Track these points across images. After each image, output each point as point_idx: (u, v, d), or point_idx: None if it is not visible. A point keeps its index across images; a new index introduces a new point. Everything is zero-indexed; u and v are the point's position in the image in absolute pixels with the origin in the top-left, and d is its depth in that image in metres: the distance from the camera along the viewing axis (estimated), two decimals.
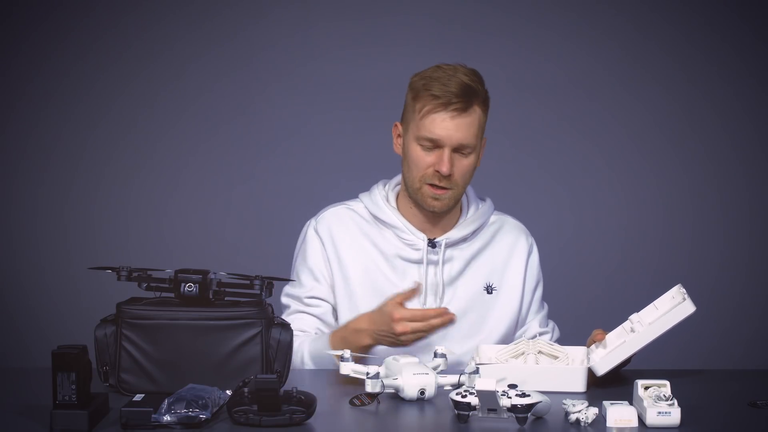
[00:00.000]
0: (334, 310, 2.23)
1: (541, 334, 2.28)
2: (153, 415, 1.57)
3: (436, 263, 2.21)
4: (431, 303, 2.19)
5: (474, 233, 2.26)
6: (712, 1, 3.50)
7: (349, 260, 2.22)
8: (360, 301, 2.20)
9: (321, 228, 2.24)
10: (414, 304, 2.16)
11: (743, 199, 3.52)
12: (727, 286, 3.50)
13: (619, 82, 3.50)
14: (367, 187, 2.31)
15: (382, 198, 2.25)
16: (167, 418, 1.57)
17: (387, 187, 2.27)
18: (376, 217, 2.24)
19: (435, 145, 2.14)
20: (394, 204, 2.25)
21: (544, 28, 3.48)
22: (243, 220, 3.50)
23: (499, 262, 2.26)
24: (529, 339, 2.24)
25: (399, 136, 2.22)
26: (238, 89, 3.49)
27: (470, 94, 2.14)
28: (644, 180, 3.53)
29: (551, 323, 2.33)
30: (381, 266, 2.21)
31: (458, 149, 2.14)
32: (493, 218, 2.30)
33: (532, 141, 3.52)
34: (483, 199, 2.31)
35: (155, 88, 3.49)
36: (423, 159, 2.15)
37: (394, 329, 1.98)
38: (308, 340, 2.15)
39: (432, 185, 2.15)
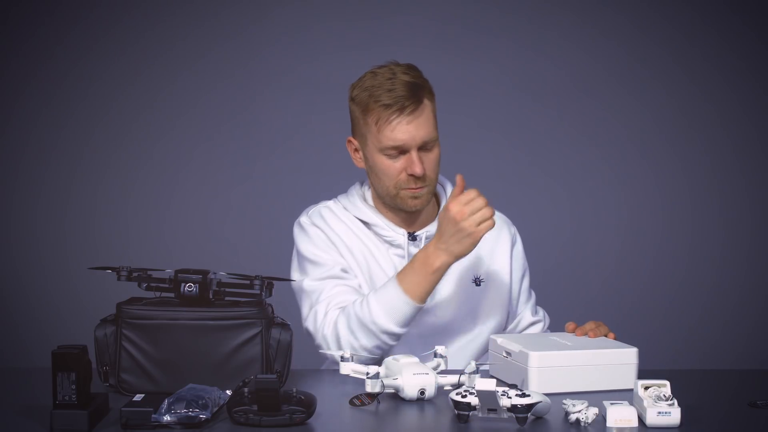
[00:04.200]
0: None
1: (534, 323, 2.29)
2: (153, 415, 1.57)
3: None
4: None
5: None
6: (712, 1, 3.50)
7: (348, 247, 2.21)
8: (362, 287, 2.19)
9: (316, 219, 2.24)
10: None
11: (743, 199, 3.52)
12: (726, 286, 3.51)
13: (619, 82, 3.50)
14: None
15: (359, 197, 2.25)
16: (167, 418, 1.56)
17: (363, 187, 2.28)
18: (355, 217, 2.23)
19: (400, 151, 2.13)
20: (371, 202, 2.25)
21: (544, 28, 3.49)
22: (243, 220, 3.50)
23: (484, 254, 2.25)
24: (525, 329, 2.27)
25: (356, 150, 2.21)
26: (238, 89, 3.49)
27: (417, 91, 2.13)
28: (644, 180, 3.53)
29: (541, 311, 2.34)
30: (375, 253, 2.20)
31: (422, 147, 2.14)
32: None
33: (531, 141, 3.52)
34: None
35: (155, 88, 3.49)
36: (392, 167, 2.14)
37: (454, 217, 1.94)
38: (370, 295, 2.07)
39: (408, 188, 2.16)
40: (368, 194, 2.26)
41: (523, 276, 2.31)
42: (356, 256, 2.20)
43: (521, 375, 1.81)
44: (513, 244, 2.30)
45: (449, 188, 2.29)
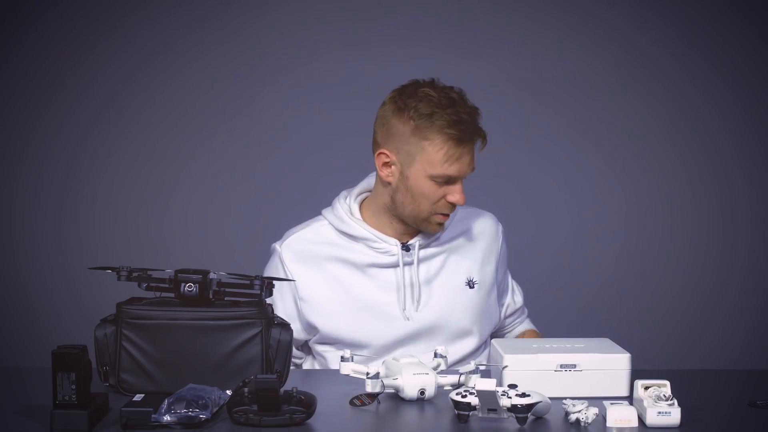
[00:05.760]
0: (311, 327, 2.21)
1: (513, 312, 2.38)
2: (153, 415, 1.57)
3: (411, 264, 2.20)
4: (409, 303, 2.18)
5: (444, 230, 2.25)
6: (712, 1, 3.50)
7: (317, 281, 2.19)
8: (339, 315, 2.18)
9: (283, 253, 2.21)
10: (393, 305, 2.17)
11: (743, 199, 3.52)
12: (726, 287, 3.50)
13: (619, 81, 3.50)
14: None
15: (345, 212, 2.21)
16: (167, 418, 1.56)
17: (348, 199, 2.23)
18: (342, 233, 2.20)
19: (448, 180, 2.12)
20: (358, 215, 2.21)
21: (544, 28, 3.48)
22: (243, 220, 3.50)
23: (476, 255, 2.26)
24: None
25: (388, 164, 2.15)
26: (238, 89, 3.49)
27: (479, 122, 2.12)
28: (644, 180, 3.53)
29: (517, 295, 2.40)
30: (355, 277, 2.18)
31: None
32: (461, 213, 2.29)
33: (531, 141, 3.51)
34: None
35: (155, 88, 3.49)
36: (436, 193, 2.12)
37: None
38: None
39: (442, 213, 2.16)
40: (354, 206, 2.22)
41: (505, 271, 2.35)
42: (323, 291, 2.18)
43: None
44: (501, 244, 2.32)
45: None
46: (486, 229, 2.30)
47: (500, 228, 2.33)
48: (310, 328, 2.20)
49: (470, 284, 2.23)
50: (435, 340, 2.17)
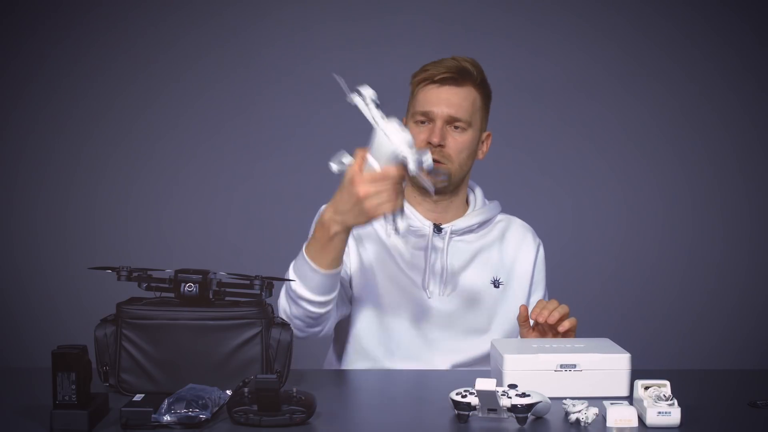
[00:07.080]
0: (350, 283, 2.23)
1: None
2: (153, 415, 1.57)
3: (441, 250, 2.22)
4: (434, 290, 2.20)
5: (481, 226, 2.27)
6: (712, 1, 3.50)
7: (364, 238, 2.23)
8: (375, 276, 2.21)
9: None
10: (416, 281, 2.18)
11: (743, 199, 3.52)
12: (727, 287, 3.51)
13: (618, 82, 3.50)
14: None
15: None
16: (167, 418, 1.56)
17: None
18: None
19: (428, 118, 2.18)
20: None
21: (544, 28, 3.49)
22: (243, 220, 3.50)
23: (507, 258, 2.28)
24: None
25: None
26: (238, 89, 3.49)
27: (462, 72, 2.19)
28: (644, 180, 3.53)
29: None
30: (390, 249, 2.22)
31: (450, 122, 2.18)
32: (501, 217, 2.33)
33: (531, 141, 3.52)
34: (491, 201, 2.34)
35: (155, 88, 3.49)
36: (417, 135, 2.17)
37: (357, 193, 1.84)
38: (290, 265, 2.05)
39: None
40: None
41: (536, 289, 2.32)
42: (368, 249, 2.22)
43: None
44: (537, 253, 2.32)
45: (479, 192, 2.31)
46: (522, 235, 2.32)
47: (539, 241, 2.34)
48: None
49: (495, 283, 2.24)
50: (450, 330, 2.18)
